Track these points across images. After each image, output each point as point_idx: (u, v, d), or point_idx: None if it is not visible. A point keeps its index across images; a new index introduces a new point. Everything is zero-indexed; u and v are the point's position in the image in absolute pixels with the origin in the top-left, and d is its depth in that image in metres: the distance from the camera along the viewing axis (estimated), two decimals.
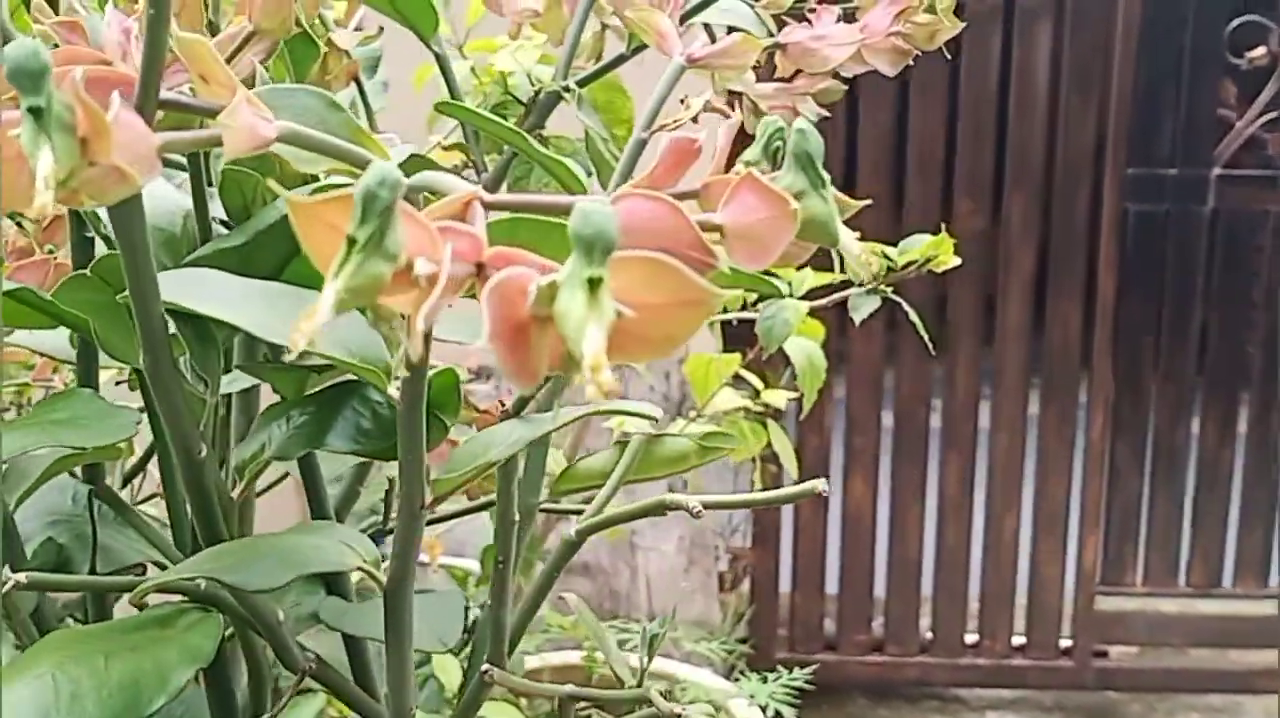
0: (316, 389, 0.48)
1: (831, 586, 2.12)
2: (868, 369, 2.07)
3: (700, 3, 0.62)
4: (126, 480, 0.69)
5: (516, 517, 0.45)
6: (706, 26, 0.64)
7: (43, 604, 0.51)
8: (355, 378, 0.47)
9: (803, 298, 0.84)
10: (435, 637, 0.49)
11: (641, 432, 0.48)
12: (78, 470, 0.56)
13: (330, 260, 0.24)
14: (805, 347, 1.07)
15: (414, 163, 0.67)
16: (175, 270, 0.40)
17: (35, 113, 0.25)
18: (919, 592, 2.12)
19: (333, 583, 0.53)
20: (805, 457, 2.09)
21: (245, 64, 0.44)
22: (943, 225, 0.85)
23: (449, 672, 0.92)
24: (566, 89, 0.66)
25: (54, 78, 0.25)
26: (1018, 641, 2.10)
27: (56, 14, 0.45)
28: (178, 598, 0.49)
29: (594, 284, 0.23)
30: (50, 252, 0.59)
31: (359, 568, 0.41)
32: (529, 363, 0.23)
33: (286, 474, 0.66)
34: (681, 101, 0.56)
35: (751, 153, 0.30)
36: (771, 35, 0.60)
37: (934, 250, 0.76)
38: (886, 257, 0.78)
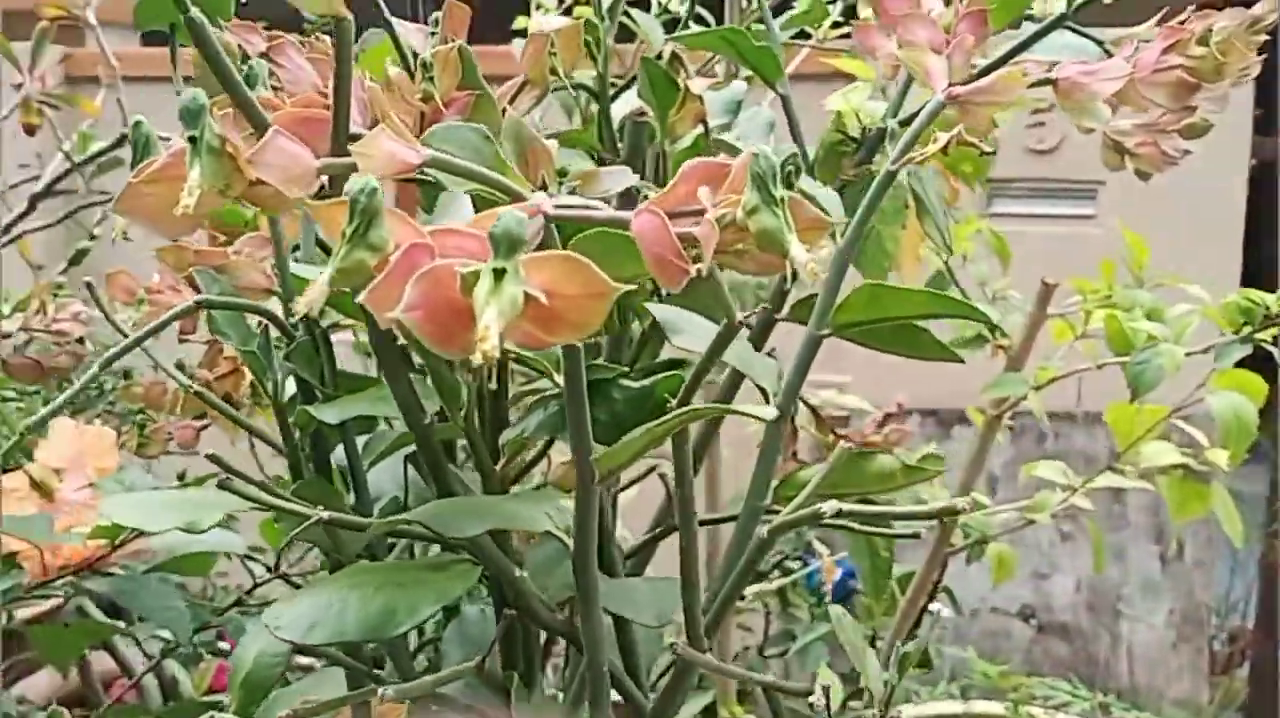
0: None
1: None
2: None
3: (1025, 40, 0.63)
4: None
5: (695, 510, 0.50)
6: None
7: (374, 544, 0.64)
8: (600, 377, 0.55)
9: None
10: (654, 613, 0.56)
11: (847, 446, 0.51)
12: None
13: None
14: (1235, 402, 0.99)
15: None
16: None
17: (192, 140, 0.35)
18: None
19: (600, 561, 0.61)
20: None
21: (518, 108, 0.54)
22: None
23: None
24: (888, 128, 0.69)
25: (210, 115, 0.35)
26: None
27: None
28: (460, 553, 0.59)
29: (499, 274, 0.29)
30: None
31: (548, 531, 0.49)
32: (447, 333, 0.30)
33: (650, 470, 0.74)
34: (933, 137, 0.57)
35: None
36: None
37: None
38: (1265, 305, 0.72)
